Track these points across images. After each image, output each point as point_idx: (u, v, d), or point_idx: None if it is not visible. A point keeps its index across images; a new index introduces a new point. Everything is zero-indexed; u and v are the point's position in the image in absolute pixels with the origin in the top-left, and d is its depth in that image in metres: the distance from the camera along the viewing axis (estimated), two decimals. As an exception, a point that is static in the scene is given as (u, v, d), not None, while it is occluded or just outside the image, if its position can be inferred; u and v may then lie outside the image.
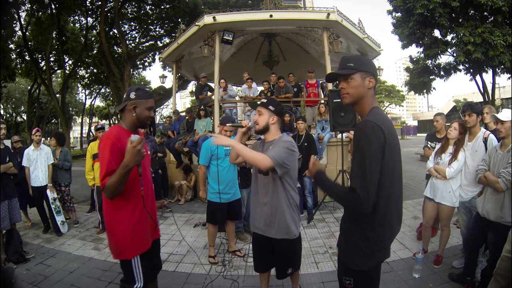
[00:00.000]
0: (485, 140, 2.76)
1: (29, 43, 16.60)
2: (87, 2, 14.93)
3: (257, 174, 2.14)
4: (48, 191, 4.42)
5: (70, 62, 19.63)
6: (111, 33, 15.74)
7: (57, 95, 18.70)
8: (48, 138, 14.55)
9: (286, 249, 2.12)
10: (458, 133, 2.91)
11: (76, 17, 17.11)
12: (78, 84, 25.52)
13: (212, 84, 7.86)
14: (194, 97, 11.18)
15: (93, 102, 29.17)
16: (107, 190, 1.63)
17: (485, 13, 11.79)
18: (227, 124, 2.98)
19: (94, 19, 16.12)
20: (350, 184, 1.36)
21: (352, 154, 1.49)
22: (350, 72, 1.38)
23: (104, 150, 1.66)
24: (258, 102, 2.15)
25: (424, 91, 15.82)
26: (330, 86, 6.95)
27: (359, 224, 1.38)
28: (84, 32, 16.78)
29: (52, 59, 18.33)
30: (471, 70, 13.21)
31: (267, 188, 2.07)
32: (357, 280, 1.43)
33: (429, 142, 3.82)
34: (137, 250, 1.80)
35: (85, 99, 28.49)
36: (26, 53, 17.01)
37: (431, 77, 14.74)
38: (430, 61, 13.94)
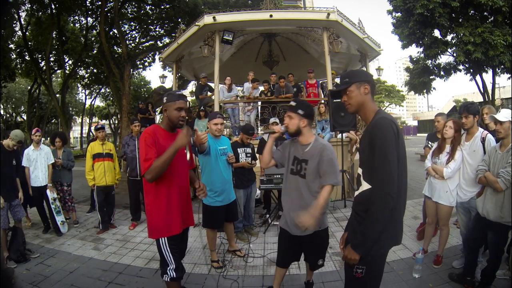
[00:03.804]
0: (483, 140, 2.76)
1: (29, 43, 16.55)
2: (87, 2, 14.87)
3: (289, 175, 2.23)
4: (48, 191, 4.42)
5: (70, 62, 19.58)
6: (111, 33, 15.69)
7: (57, 95, 18.66)
8: (48, 138, 14.51)
9: (319, 240, 2.27)
10: (453, 131, 2.91)
11: (76, 17, 17.05)
12: (78, 84, 25.45)
13: (212, 84, 7.87)
14: (194, 97, 11.18)
15: (93, 102, 29.12)
16: (152, 171, 1.90)
17: (485, 13, 11.77)
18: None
19: (94, 19, 16.07)
20: (368, 180, 1.51)
21: (366, 151, 1.55)
22: (347, 85, 1.60)
23: (142, 142, 2.01)
24: (290, 103, 2.23)
25: (424, 91, 15.79)
26: (330, 86, 6.96)
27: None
28: (84, 32, 16.73)
29: (52, 59, 18.27)
30: (471, 70, 13.18)
31: (302, 187, 2.15)
32: (370, 267, 1.52)
33: (430, 142, 3.82)
34: (163, 233, 2.08)
35: (85, 99, 28.47)
36: (26, 53, 16.96)
37: (431, 77, 14.70)
38: (430, 61, 13.90)
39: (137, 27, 16.66)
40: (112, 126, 29.55)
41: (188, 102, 2.23)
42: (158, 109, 11.85)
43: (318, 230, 2.20)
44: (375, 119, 1.51)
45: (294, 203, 2.17)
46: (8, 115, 28.93)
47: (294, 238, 2.23)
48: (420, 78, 14.50)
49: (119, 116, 19.57)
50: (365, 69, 8.24)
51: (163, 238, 2.09)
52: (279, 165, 2.36)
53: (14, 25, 15.50)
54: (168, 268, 2.12)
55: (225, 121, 3.45)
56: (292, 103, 2.20)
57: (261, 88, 7.28)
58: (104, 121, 31.90)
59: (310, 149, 2.16)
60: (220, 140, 3.29)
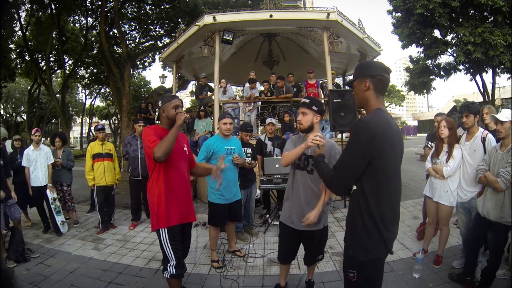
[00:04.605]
0: (484, 140, 2.76)
1: (29, 43, 16.54)
2: (87, 2, 14.89)
3: (296, 170, 2.26)
4: (48, 191, 4.42)
5: (70, 62, 19.59)
6: (111, 33, 15.69)
7: (57, 95, 18.67)
8: (48, 138, 14.53)
9: (321, 237, 2.34)
10: (448, 130, 2.91)
11: (76, 17, 17.07)
12: (78, 84, 25.47)
13: (212, 84, 7.86)
14: (194, 97, 11.18)
15: (93, 102, 29.14)
16: (159, 148, 1.98)
17: (485, 13, 11.77)
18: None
19: (94, 19, 16.08)
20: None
21: None
22: (353, 80, 1.60)
23: (145, 134, 2.14)
24: (302, 101, 2.24)
25: (424, 91, 15.79)
26: (330, 86, 6.96)
27: (359, 216, 1.50)
28: (84, 32, 16.74)
29: (52, 59, 18.27)
30: (471, 70, 13.17)
31: (309, 183, 2.19)
32: (360, 272, 1.52)
33: (429, 142, 3.82)
34: (161, 223, 2.14)
35: (85, 99, 28.50)
36: (26, 53, 16.96)
37: (431, 77, 14.70)
38: (430, 61, 13.90)
39: (137, 27, 16.67)
40: (112, 126, 29.56)
41: (181, 101, 2.37)
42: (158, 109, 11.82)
43: (319, 229, 2.26)
44: (356, 120, 1.54)
45: (301, 197, 2.21)
46: (8, 115, 28.92)
47: (296, 233, 2.28)
48: (420, 78, 14.50)
49: (119, 116, 19.57)
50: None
51: (163, 231, 2.14)
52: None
53: (14, 25, 15.51)
54: (169, 264, 2.15)
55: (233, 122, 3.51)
56: (306, 100, 2.22)
57: (261, 88, 7.27)
58: (104, 121, 31.89)
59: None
60: (229, 140, 3.34)
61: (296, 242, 2.39)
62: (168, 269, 2.15)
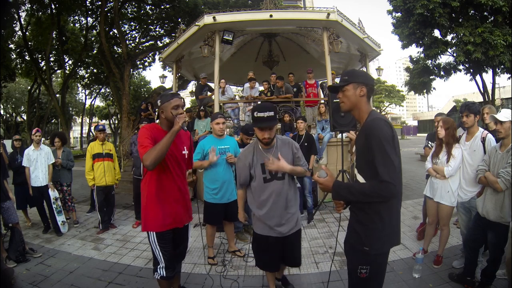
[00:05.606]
0: (483, 140, 2.76)
1: (29, 43, 16.56)
2: (87, 2, 14.90)
3: (263, 184, 2.17)
4: (50, 190, 4.42)
5: (70, 62, 19.62)
6: (111, 33, 15.72)
7: (57, 95, 18.69)
8: (48, 138, 14.54)
9: (297, 239, 2.33)
10: (445, 130, 2.91)
11: (76, 17, 17.09)
12: (78, 84, 25.48)
13: (212, 84, 7.86)
14: (194, 97, 11.18)
15: (93, 102, 29.15)
16: (149, 155, 1.86)
17: (485, 13, 11.77)
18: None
19: (94, 19, 16.10)
20: (374, 176, 1.43)
21: (361, 149, 1.56)
22: (344, 83, 1.62)
23: (139, 134, 2.06)
24: (266, 115, 2.04)
25: (424, 91, 15.78)
26: (330, 86, 6.95)
27: (374, 210, 1.50)
28: (84, 32, 16.76)
29: (52, 59, 18.31)
30: (471, 70, 13.18)
31: (283, 188, 2.17)
32: (373, 266, 1.54)
33: (429, 142, 3.82)
34: (149, 227, 2.11)
35: (85, 99, 28.51)
36: (26, 53, 16.99)
37: (431, 77, 14.70)
38: (430, 61, 13.89)
39: (137, 27, 16.68)
40: (112, 126, 29.56)
41: (182, 99, 2.25)
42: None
43: (299, 229, 2.32)
44: (370, 120, 1.52)
45: (278, 205, 2.17)
46: (8, 115, 28.92)
47: (278, 240, 2.22)
48: (420, 78, 14.50)
49: (119, 116, 19.58)
50: (365, 70, 8.24)
51: (152, 233, 2.11)
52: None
53: (14, 25, 15.52)
54: (159, 266, 2.15)
55: (226, 121, 3.51)
56: (270, 113, 2.05)
57: (261, 88, 7.26)
58: (104, 121, 31.89)
59: (278, 148, 2.19)
60: (223, 139, 3.33)
61: (280, 249, 2.30)
62: (158, 271, 2.14)
